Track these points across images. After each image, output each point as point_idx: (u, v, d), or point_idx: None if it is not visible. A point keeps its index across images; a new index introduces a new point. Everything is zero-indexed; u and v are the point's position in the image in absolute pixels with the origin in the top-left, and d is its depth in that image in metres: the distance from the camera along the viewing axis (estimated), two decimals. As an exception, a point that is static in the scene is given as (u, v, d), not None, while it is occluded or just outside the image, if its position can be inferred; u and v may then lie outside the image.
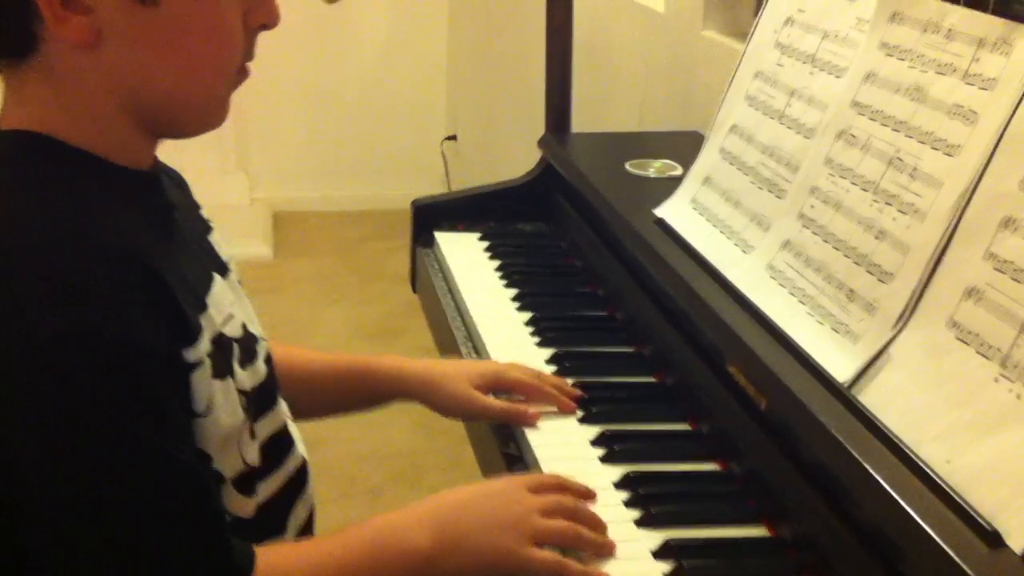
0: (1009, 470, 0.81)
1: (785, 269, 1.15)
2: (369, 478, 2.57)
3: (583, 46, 1.97)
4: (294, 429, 1.01)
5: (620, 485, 1.07)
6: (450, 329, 1.43)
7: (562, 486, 1.01)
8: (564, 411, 1.19)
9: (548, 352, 1.32)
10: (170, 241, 0.87)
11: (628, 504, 1.04)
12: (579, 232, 1.61)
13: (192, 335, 0.82)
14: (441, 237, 1.67)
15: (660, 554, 0.97)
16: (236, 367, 0.88)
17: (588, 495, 1.02)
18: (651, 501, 1.03)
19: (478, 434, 1.27)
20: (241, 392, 0.88)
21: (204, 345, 0.83)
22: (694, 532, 1.00)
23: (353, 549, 0.90)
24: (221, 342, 0.87)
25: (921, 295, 0.97)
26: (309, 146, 4.15)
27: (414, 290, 1.73)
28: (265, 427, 0.94)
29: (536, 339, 1.36)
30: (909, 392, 0.93)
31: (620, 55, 2.27)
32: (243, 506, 0.90)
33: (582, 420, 1.18)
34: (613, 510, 1.02)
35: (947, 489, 0.84)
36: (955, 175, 0.98)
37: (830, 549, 0.93)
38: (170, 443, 0.77)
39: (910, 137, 1.05)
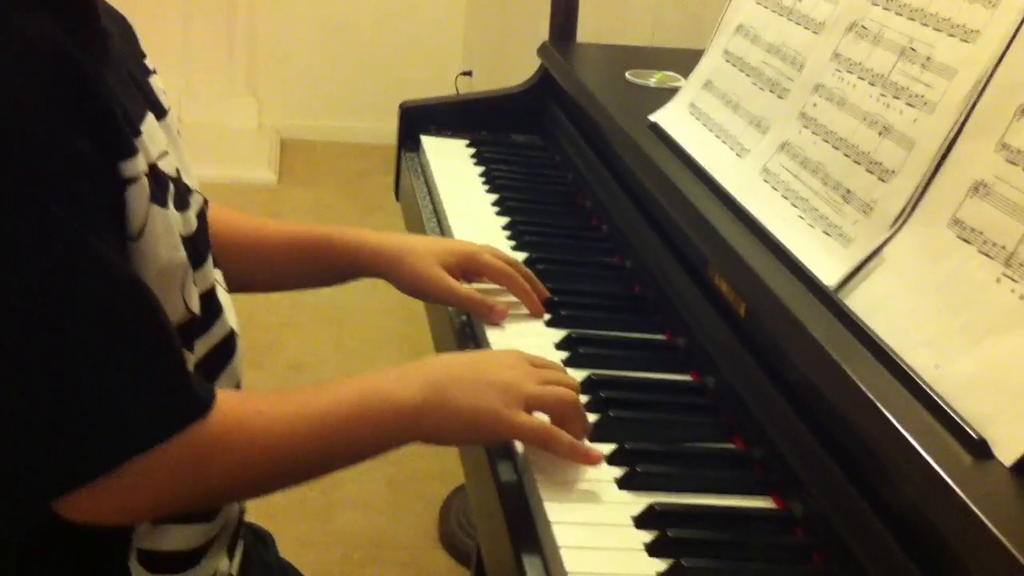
0: (1004, 376, 0.72)
1: (780, 172, 1.06)
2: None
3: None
4: (224, 296, 0.92)
5: (582, 389, 0.98)
6: (424, 231, 1.35)
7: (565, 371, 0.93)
8: (533, 314, 1.10)
9: (522, 256, 1.23)
10: (103, 60, 0.78)
11: (587, 408, 0.95)
12: (572, 143, 1.51)
13: (128, 148, 0.73)
14: (427, 141, 1.58)
15: (614, 459, 0.88)
16: (171, 205, 0.80)
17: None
18: (610, 405, 0.94)
19: (438, 329, 1.18)
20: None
21: (142, 164, 0.75)
22: (653, 441, 0.91)
23: (344, 397, 0.82)
24: (156, 174, 0.78)
25: (923, 193, 0.88)
26: (321, 75, 4.06)
27: (397, 198, 1.65)
28: (198, 283, 0.86)
29: (512, 243, 1.27)
30: (900, 296, 0.84)
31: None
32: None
33: (549, 323, 1.09)
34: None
35: (933, 396, 0.74)
36: (971, 63, 0.88)
37: (802, 464, 0.84)
38: (104, 246, 0.70)
39: (925, 25, 0.95)
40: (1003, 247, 0.77)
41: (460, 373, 0.86)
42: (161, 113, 0.88)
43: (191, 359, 0.83)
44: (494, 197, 1.39)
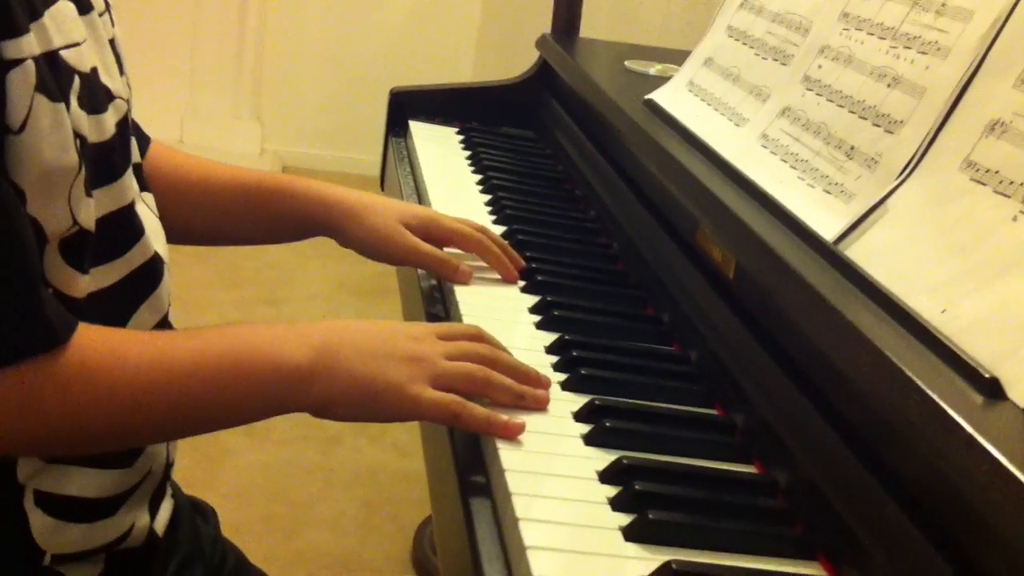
0: (1018, 314, 0.64)
1: (779, 136, 0.98)
2: (328, 426, 2.39)
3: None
4: (150, 219, 0.83)
5: (551, 349, 0.90)
6: (402, 207, 1.27)
7: (480, 336, 0.83)
8: (505, 279, 1.02)
9: (501, 229, 1.15)
10: None
11: (556, 368, 0.87)
12: (565, 134, 1.45)
13: (14, 27, 0.65)
14: (415, 126, 1.51)
15: (581, 416, 0.79)
16: (74, 102, 0.71)
17: (527, 374, 0.81)
18: (581, 364, 0.85)
19: (406, 292, 1.10)
20: (78, 135, 0.71)
21: (31, 47, 0.66)
22: (626, 400, 0.82)
23: (215, 347, 0.73)
24: (56, 63, 0.69)
25: (933, 140, 0.80)
26: (327, 105, 4.01)
27: (382, 187, 1.57)
28: (105, 199, 0.76)
29: (492, 217, 1.20)
30: (904, 244, 0.76)
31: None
32: (70, 281, 0.72)
33: (524, 289, 1.01)
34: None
35: (940, 338, 0.66)
36: (988, 2, 0.81)
37: (789, 428, 0.75)
38: None
39: (942, -27, 0.88)
40: (1021, 184, 0.70)
41: (361, 341, 0.76)
42: (86, 8, 0.78)
43: (80, 283, 0.73)
44: (479, 177, 1.32)
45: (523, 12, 3.34)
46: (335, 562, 2.02)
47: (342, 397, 0.75)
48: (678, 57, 1.50)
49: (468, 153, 1.41)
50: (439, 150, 1.42)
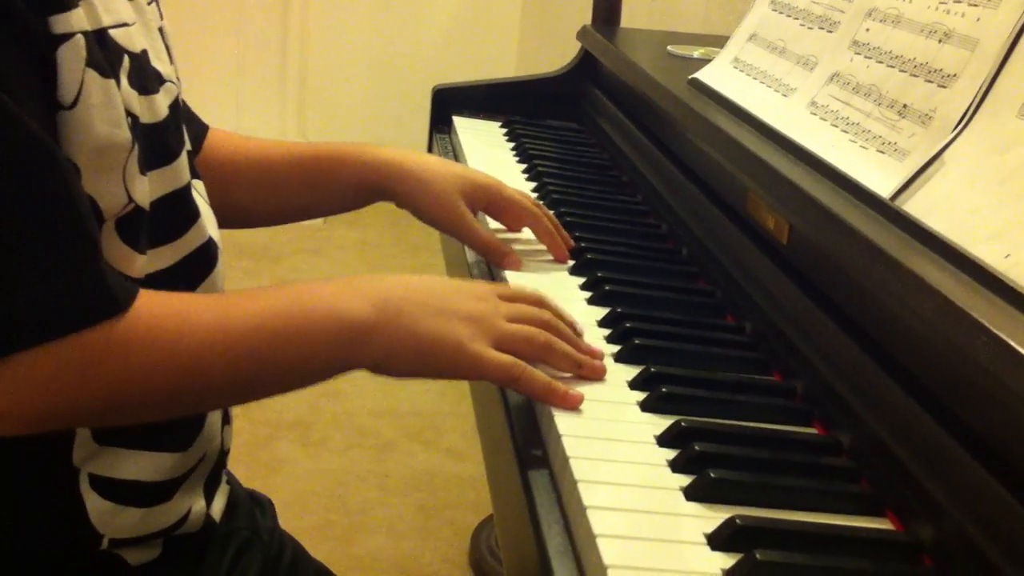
0: (1088, 253, 0.62)
1: (829, 103, 0.96)
2: (382, 433, 2.40)
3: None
4: (203, 204, 0.83)
5: (604, 323, 0.88)
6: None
7: (541, 302, 0.82)
8: (556, 258, 1.01)
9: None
10: None
11: (609, 340, 0.85)
12: (610, 122, 1.43)
13: (63, 1, 0.65)
14: (459, 121, 1.50)
15: (636, 383, 0.78)
16: (124, 80, 0.71)
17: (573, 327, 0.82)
18: (636, 335, 0.84)
19: (452, 258, 1.09)
20: (129, 114, 0.71)
21: (80, 21, 0.66)
22: (680, 369, 0.81)
23: (277, 305, 0.72)
24: (105, 41, 0.70)
25: (988, 89, 0.78)
26: (371, 117, 4.04)
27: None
28: (161, 181, 0.76)
29: (541, 202, 1.18)
30: (964, 195, 0.74)
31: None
32: (127, 260, 0.72)
33: (573, 268, 1.00)
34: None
35: (1007, 283, 0.64)
36: (1043, -52, 0.79)
37: (853, 390, 0.73)
38: (15, 103, 0.61)
39: (990, -76, 0.86)
40: (1084, 124, 0.68)
41: (422, 297, 0.75)
42: None
43: (138, 262, 0.73)
44: (524, 166, 1.31)
45: (563, 7, 3.34)
46: (393, 567, 2.02)
47: (402, 352, 0.73)
48: (720, 43, 1.49)
49: (512, 144, 1.40)
50: (483, 142, 1.42)
